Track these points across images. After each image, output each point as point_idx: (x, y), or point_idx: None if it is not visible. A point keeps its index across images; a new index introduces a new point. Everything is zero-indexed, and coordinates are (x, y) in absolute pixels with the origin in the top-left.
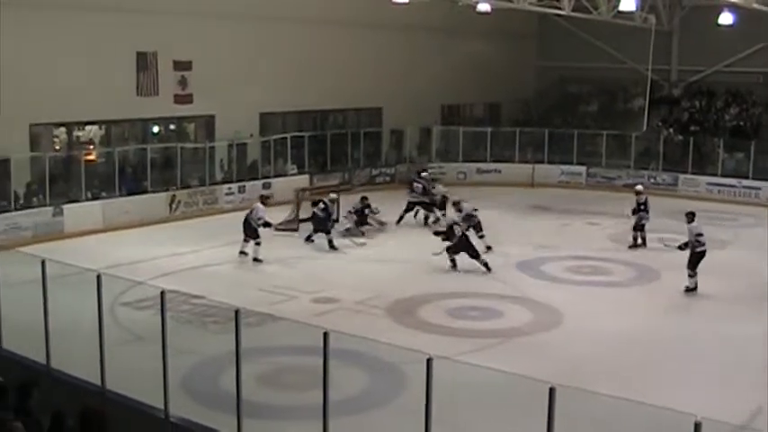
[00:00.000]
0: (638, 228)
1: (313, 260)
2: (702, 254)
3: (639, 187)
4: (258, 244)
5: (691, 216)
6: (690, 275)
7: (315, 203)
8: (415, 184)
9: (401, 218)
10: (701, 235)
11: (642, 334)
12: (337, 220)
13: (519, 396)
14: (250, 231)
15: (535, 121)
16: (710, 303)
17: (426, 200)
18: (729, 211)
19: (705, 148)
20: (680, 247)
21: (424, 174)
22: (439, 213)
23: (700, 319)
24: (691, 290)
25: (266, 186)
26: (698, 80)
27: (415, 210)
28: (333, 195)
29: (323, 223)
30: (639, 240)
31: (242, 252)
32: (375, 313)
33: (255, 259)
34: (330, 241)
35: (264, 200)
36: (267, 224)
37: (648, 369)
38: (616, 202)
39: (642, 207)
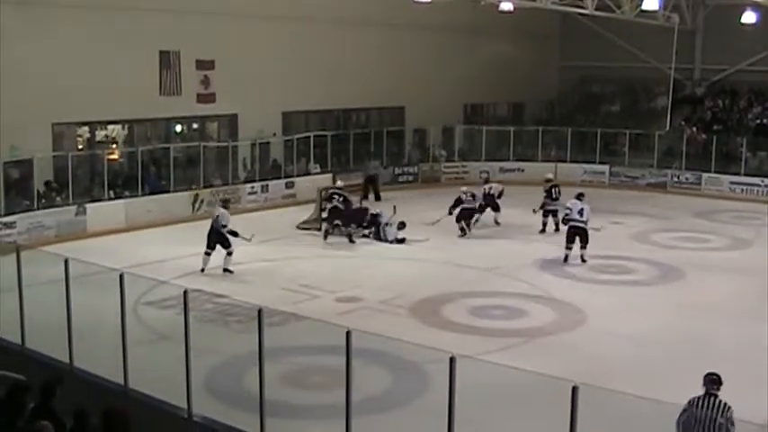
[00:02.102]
0: (548, 214)
1: (336, 259)
2: (574, 228)
3: (549, 175)
4: (230, 254)
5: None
6: (567, 248)
7: (329, 198)
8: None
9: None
10: (568, 210)
11: (665, 333)
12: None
13: (542, 395)
14: (218, 240)
15: (558, 121)
16: (734, 302)
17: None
18: (752, 210)
19: (728, 147)
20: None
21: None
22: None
23: (723, 319)
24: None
25: (289, 186)
26: (721, 79)
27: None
28: (339, 183)
29: (349, 215)
30: (553, 226)
31: (202, 269)
32: (398, 312)
33: (226, 270)
34: (350, 235)
35: (227, 204)
36: (233, 232)
37: (672, 368)
38: (639, 202)
39: (548, 194)
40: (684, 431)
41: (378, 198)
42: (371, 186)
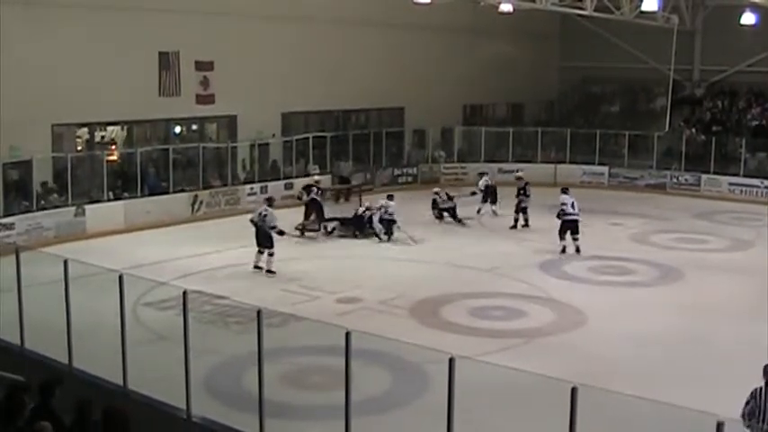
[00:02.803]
0: (519, 210)
1: (335, 260)
2: (569, 222)
3: (520, 173)
4: (272, 255)
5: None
6: (563, 239)
7: (307, 191)
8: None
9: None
10: (564, 205)
11: (665, 334)
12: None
13: (541, 396)
14: (265, 240)
15: (557, 122)
16: (733, 303)
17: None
18: (752, 211)
19: (727, 147)
20: (558, 216)
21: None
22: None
23: (723, 319)
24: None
25: (288, 187)
26: (720, 80)
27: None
28: (317, 177)
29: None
30: (522, 222)
31: (257, 266)
32: (398, 313)
33: (269, 271)
34: (326, 228)
35: (272, 202)
36: (281, 232)
37: (671, 369)
38: (638, 203)
39: (522, 192)
40: (750, 419)
41: (347, 199)
42: (344, 188)
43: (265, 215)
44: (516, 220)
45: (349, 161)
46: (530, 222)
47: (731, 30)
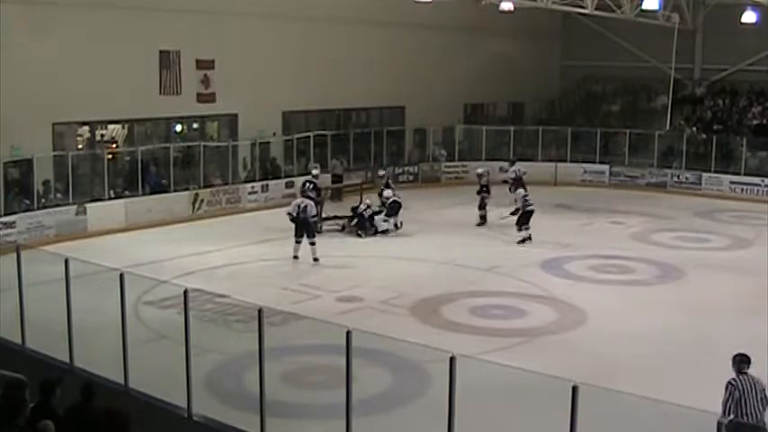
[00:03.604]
0: (482, 207)
1: (336, 259)
2: (531, 212)
3: (481, 170)
4: (313, 243)
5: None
6: (518, 230)
7: (303, 188)
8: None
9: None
10: (527, 197)
11: (666, 332)
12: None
13: (542, 395)
14: (306, 230)
15: (558, 120)
16: (734, 302)
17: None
18: (753, 210)
19: (728, 146)
20: (512, 213)
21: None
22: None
23: (724, 318)
24: (523, 240)
25: (289, 185)
26: (721, 79)
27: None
28: (315, 171)
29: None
30: (483, 219)
31: (295, 256)
32: (399, 312)
33: (315, 259)
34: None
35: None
36: (316, 223)
37: (672, 368)
38: (639, 201)
39: (484, 188)
40: (737, 408)
41: (339, 198)
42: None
43: (305, 206)
44: (483, 217)
45: (342, 160)
46: (487, 219)
47: (732, 28)
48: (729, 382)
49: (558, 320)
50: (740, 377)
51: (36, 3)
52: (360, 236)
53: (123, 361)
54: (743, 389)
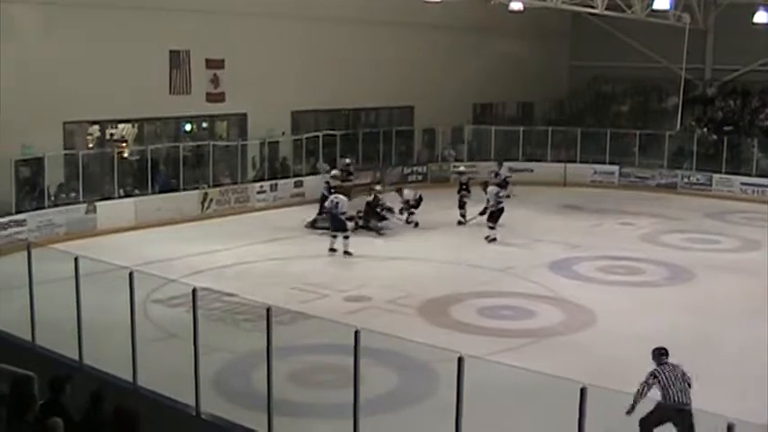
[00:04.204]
0: (462, 206)
1: (344, 258)
2: (502, 210)
3: (462, 168)
4: (347, 237)
5: (485, 184)
6: (490, 227)
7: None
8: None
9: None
10: (499, 194)
11: (675, 334)
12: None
13: (550, 396)
14: (338, 225)
15: (568, 121)
16: (744, 303)
17: None
18: (763, 212)
19: (739, 147)
20: (481, 213)
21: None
22: None
23: (734, 320)
24: (492, 240)
25: (298, 185)
26: (732, 79)
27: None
28: (335, 171)
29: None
30: (462, 217)
31: (331, 249)
32: (407, 312)
33: (346, 252)
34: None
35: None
36: (350, 218)
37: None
38: (649, 202)
39: (464, 187)
40: (665, 392)
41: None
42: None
43: (338, 203)
44: (464, 216)
45: (349, 159)
46: (466, 218)
47: (743, 28)
48: (652, 373)
49: (567, 321)
50: (661, 367)
51: (47, 3)
52: (379, 232)
53: (132, 359)
54: (667, 377)
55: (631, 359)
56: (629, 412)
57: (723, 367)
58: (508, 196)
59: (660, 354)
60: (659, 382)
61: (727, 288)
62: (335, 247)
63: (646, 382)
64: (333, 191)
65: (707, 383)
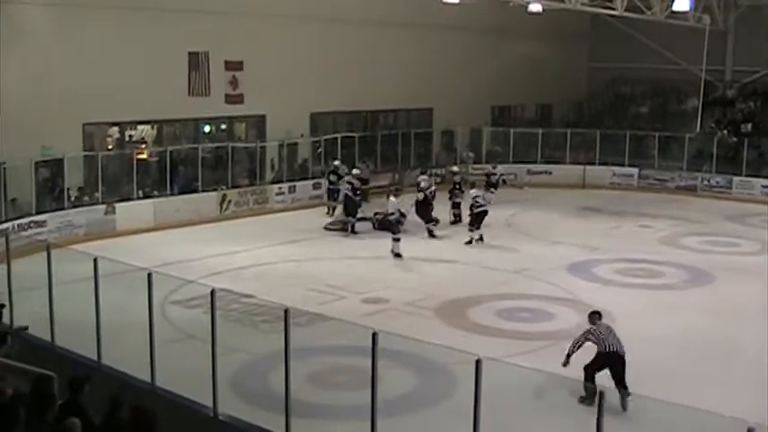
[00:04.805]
0: (455, 206)
1: (363, 260)
2: (484, 213)
3: (455, 168)
4: (396, 240)
5: (471, 185)
6: (470, 230)
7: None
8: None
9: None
10: (477, 197)
11: (694, 337)
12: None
13: (569, 398)
14: (390, 227)
15: (587, 123)
16: (763, 307)
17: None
18: None
19: (760, 149)
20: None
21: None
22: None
23: (753, 323)
24: (469, 242)
25: (316, 187)
26: (753, 81)
27: None
28: (355, 170)
29: (351, 205)
30: (452, 218)
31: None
32: (424, 314)
33: (393, 253)
34: (352, 225)
35: (397, 193)
36: (403, 215)
37: (700, 373)
38: (668, 205)
39: (457, 187)
40: (601, 345)
41: (365, 200)
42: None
43: (390, 204)
44: (457, 216)
45: (367, 163)
46: (462, 218)
47: (764, 30)
48: (588, 331)
49: (585, 324)
50: (595, 326)
51: (67, 4)
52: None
53: (150, 359)
54: (600, 333)
55: (650, 362)
56: (564, 364)
57: (742, 370)
58: (490, 202)
59: (594, 316)
60: (595, 338)
61: (747, 291)
62: (397, 251)
63: (581, 338)
64: (357, 193)
65: (725, 386)
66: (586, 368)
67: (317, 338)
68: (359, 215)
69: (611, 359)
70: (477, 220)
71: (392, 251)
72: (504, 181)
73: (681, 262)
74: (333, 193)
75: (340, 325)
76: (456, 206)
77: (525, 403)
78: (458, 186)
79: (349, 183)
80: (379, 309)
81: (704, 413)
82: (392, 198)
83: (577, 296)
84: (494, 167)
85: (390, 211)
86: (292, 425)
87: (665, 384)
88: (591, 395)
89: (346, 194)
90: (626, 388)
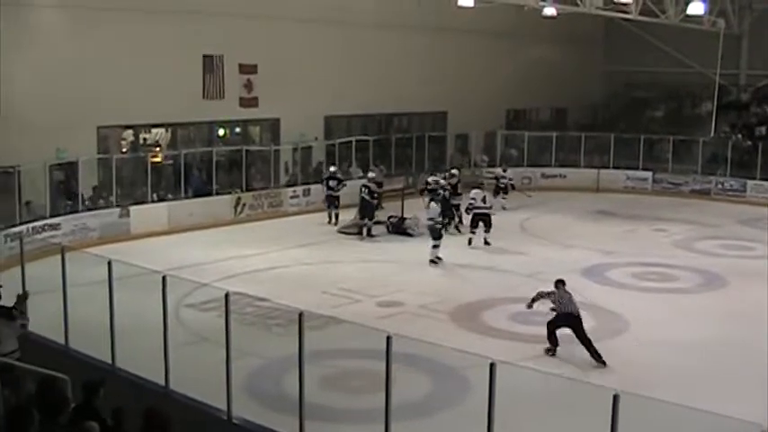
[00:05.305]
0: (451, 208)
1: (377, 263)
2: (478, 215)
3: (454, 171)
4: (435, 246)
5: (475, 186)
6: (471, 231)
7: (360, 191)
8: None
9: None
10: (473, 199)
11: (708, 341)
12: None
13: (583, 402)
14: (432, 233)
15: (601, 126)
16: None
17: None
18: None
19: None
20: (467, 210)
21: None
22: None
23: (767, 327)
24: (469, 242)
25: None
26: (767, 84)
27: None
28: (371, 174)
29: (369, 209)
30: (457, 219)
31: (436, 259)
32: (439, 317)
33: (437, 258)
34: (369, 229)
35: (436, 200)
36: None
37: (715, 377)
38: (682, 208)
39: (454, 190)
40: (559, 306)
41: (380, 205)
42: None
43: (430, 209)
44: (455, 218)
45: (381, 167)
46: (461, 219)
47: None
48: (552, 292)
49: (599, 328)
50: (557, 289)
51: (82, 7)
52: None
53: (164, 362)
54: (560, 296)
55: (664, 366)
56: (529, 306)
57: (756, 373)
58: (492, 206)
59: (558, 284)
60: (554, 298)
61: (761, 295)
62: (436, 257)
63: (545, 293)
64: (374, 196)
65: (740, 389)
66: (548, 324)
67: (331, 342)
68: (375, 218)
69: (568, 319)
70: (472, 222)
71: (436, 257)
72: (512, 186)
73: (695, 266)
74: (333, 201)
75: (354, 328)
76: (456, 208)
77: (539, 407)
78: (457, 188)
79: (365, 186)
80: (394, 312)
81: (718, 417)
82: (433, 204)
83: (591, 300)
84: (504, 170)
85: (430, 217)
86: (306, 428)
87: (678, 387)
88: (553, 347)
89: (363, 198)
90: (590, 345)
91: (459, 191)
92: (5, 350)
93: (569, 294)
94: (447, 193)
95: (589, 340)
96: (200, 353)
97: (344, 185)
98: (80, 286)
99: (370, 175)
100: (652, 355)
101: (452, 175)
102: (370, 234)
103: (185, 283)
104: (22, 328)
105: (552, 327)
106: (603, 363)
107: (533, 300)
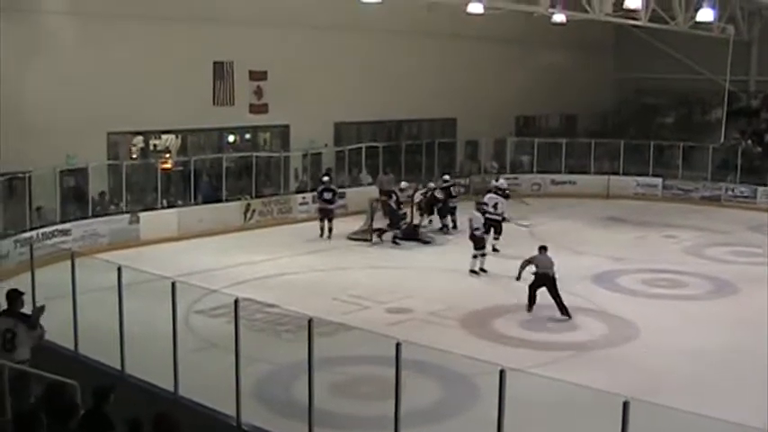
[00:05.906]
0: (448, 212)
1: (386, 270)
2: (491, 221)
3: (447, 176)
4: (475, 257)
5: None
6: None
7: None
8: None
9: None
10: (485, 204)
11: (718, 348)
12: (404, 216)
13: (593, 409)
14: (475, 241)
15: (611, 133)
16: None
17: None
18: None
19: None
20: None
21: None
22: None
23: None
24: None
25: (341, 196)
26: None
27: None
28: (403, 184)
29: (396, 217)
30: (451, 224)
31: (478, 270)
32: (448, 324)
33: (481, 269)
34: (395, 237)
35: (480, 207)
36: (476, 236)
37: (725, 384)
38: (692, 215)
39: (452, 195)
40: (538, 268)
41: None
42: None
43: (470, 219)
44: (452, 222)
45: (390, 174)
46: (457, 224)
47: None
48: (534, 257)
49: (610, 334)
50: (539, 253)
51: (93, 14)
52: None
53: (174, 369)
54: (540, 259)
55: (674, 373)
56: (517, 278)
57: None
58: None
59: (541, 249)
60: (535, 262)
61: None
62: (476, 268)
63: (529, 259)
64: (400, 205)
65: (749, 396)
66: (530, 287)
67: (340, 348)
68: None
69: (544, 279)
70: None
71: (479, 268)
72: (507, 196)
73: (705, 272)
74: (327, 213)
75: (363, 335)
76: (452, 212)
77: (549, 414)
78: (452, 191)
79: (393, 194)
80: (403, 318)
81: (728, 424)
82: (476, 213)
83: (602, 306)
84: (496, 180)
85: (475, 227)
86: None
87: (688, 394)
88: (531, 305)
89: (390, 206)
90: (560, 300)
91: (454, 194)
92: (20, 357)
93: (549, 258)
94: (439, 194)
95: (559, 296)
96: (209, 359)
97: (340, 197)
98: (90, 292)
99: (403, 185)
100: (662, 362)
101: (445, 181)
102: (395, 242)
103: (195, 290)
104: (39, 339)
105: (534, 287)
106: (569, 316)
107: (520, 271)
